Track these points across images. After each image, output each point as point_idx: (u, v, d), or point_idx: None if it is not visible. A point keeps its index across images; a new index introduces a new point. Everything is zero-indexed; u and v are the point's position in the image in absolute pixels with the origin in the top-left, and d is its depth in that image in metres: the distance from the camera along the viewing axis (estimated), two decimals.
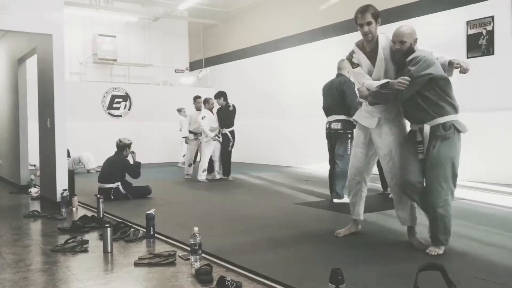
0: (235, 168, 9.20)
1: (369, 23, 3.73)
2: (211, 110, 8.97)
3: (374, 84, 3.68)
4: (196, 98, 9.64)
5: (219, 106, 9.03)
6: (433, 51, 3.64)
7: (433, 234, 3.52)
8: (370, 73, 3.80)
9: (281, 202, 6.23)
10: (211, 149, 8.84)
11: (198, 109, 9.47)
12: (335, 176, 5.95)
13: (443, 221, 3.46)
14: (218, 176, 8.96)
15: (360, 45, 3.89)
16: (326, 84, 6.17)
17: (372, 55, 3.78)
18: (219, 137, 8.81)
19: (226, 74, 14.25)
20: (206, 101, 9.03)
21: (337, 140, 5.94)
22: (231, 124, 8.88)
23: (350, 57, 3.93)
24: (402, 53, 3.57)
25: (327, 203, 5.93)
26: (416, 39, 3.57)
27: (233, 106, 8.86)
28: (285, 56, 12.01)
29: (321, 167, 8.56)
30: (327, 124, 6.07)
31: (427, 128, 3.49)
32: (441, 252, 3.46)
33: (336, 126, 5.93)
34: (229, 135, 8.84)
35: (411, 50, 3.56)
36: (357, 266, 3.20)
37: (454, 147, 3.46)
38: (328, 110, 6.10)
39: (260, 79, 12.79)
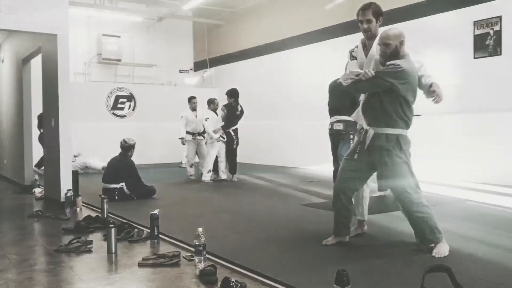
0: (239, 169, 9.20)
1: (369, 21, 3.76)
2: (215, 111, 8.96)
3: (356, 69, 3.71)
4: (191, 98, 9.63)
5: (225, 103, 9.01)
6: (423, 65, 3.64)
7: (421, 238, 3.55)
8: (361, 68, 3.85)
9: (287, 203, 6.23)
10: (216, 150, 8.84)
11: (194, 109, 9.47)
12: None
13: (424, 222, 3.50)
14: (223, 176, 8.96)
15: (363, 42, 3.94)
16: (331, 84, 6.16)
17: (368, 52, 3.83)
18: (223, 138, 8.81)
19: (231, 74, 14.26)
20: (211, 101, 9.01)
21: (339, 140, 5.93)
22: (235, 124, 8.90)
23: (352, 50, 3.99)
24: (386, 56, 3.55)
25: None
26: (402, 41, 3.53)
27: (242, 110, 8.85)
28: (291, 56, 12.00)
29: (326, 168, 8.54)
30: (330, 125, 6.06)
31: (370, 133, 3.57)
32: (447, 253, 3.45)
33: (338, 126, 5.91)
34: (233, 134, 8.85)
35: (395, 53, 3.53)
36: (363, 267, 3.19)
37: (402, 154, 3.52)
38: (332, 110, 6.08)
39: (265, 79, 12.79)
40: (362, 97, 3.96)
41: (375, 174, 3.78)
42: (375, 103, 3.56)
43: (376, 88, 3.51)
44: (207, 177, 8.75)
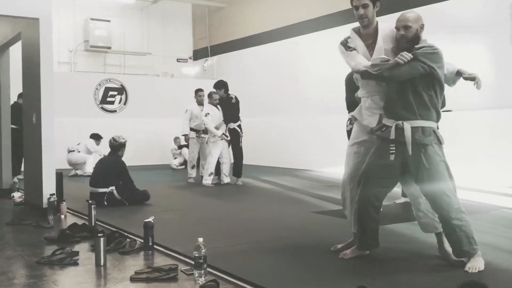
0: (244, 171, 9.21)
1: (365, 6, 3.77)
2: (216, 105, 8.96)
3: (377, 58, 3.67)
4: (198, 91, 9.65)
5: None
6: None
7: (458, 250, 3.53)
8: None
9: (297, 211, 6.23)
10: (218, 150, 8.85)
11: (200, 103, 9.50)
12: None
13: (462, 231, 3.47)
14: (226, 180, 8.96)
15: (356, 30, 3.93)
16: (348, 76, 6.14)
17: (370, 44, 3.81)
18: (227, 136, 8.82)
19: (234, 64, 14.28)
20: (210, 95, 9.02)
21: None
22: (238, 117, 8.89)
23: (345, 42, 3.95)
24: (408, 40, 3.59)
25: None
26: (423, 25, 3.58)
27: (236, 97, 8.88)
28: (303, 44, 11.99)
29: (343, 171, 8.51)
30: (348, 121, 6.02)
31: (407, 127, 3.51)
32: (482, 268, 3.43)
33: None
34: (238, 130, 8.86)
35: (417, 37, 3.58)
36: (385, 283, 3.18)
37: (440, 151, 3.53)
38: (350, 105, 6.05)
39: (273, 70, 12.79)
40: (360, 92, 4.00)
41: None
42: (408, 91, 3.53)
43: (414, 73, 3.48)
44: (208, 180, 8.77)
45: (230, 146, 8.98)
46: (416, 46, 3.54)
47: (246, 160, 9.20)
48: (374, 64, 3.61)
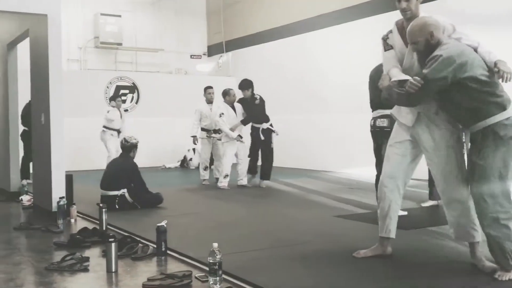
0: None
1: None
2: (231, 104, 8.94)
3: (398, 76, 3.66)
4: (207, 88, 9.63)
5: (240, 97, 9.05)
6: (479, 43, 3.57)
7: (494, 258, 3.50)
8: (402, 60, 3.81)
9: (318, 215, 6.22)
10: (233, 150, 8.86)
11: (210, 101, 9.51)
12: None
13: (496, 242, 3.41)
14: (242, 182, 8.95)
15: (399, 24, 3.90)
16: (372, 72, 6.11)
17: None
18: (241, 137, 8.81)
19: (251, 60, 14.28)
20: (226, 93, 8.98)
21: (383, 140, 5.86)
22: (266, 117, 8.87)
23: (385, 37, 3.95)
24: (422, 54, 3.57)
25: (374, 215, 5.87)
26: (432, 32, 3.51)
27: (261, 98, 8.84)
28: (323, 38, 11.94)
29: (368, 172, 8.50)
30: (372, 121, 6.02)
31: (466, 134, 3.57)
32: None
33: (382, 123, 5.87)
34: (272, 129, 8.85)
35: (430, 47, 3.52)
36: None
37: (500, 154, 3.40)
38: (374, 103, 6.04)
39: (292, 66, 12.76)
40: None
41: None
42: (448, 103, 3.55)
43: (432, 93, 3.51)
44: (223, 182, 8.78)
45: (261, 147, 8.95)
46: (427, 60, 3.50)
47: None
48: (401, 81, 3.60)
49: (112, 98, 11.62)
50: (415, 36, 3.55)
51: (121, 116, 11.14)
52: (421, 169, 4.30)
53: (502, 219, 3.37)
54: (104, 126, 10.98)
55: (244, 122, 8.90)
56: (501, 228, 3.38)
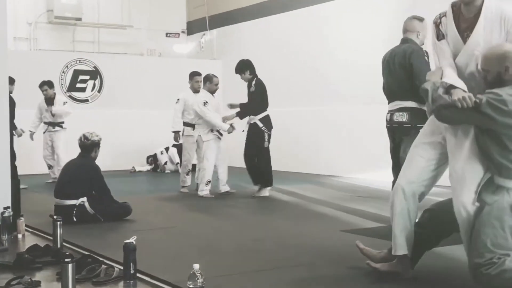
0: (243, 177, 9.22)
1: None
2: (213, 93, 8.95)
3: (453, 80, 3.69)
4: (194, 75, 9.62)
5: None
6: None
7: None
8: (456, 54, 3.82)
9: (321, 229, 6.24)
10: (214, 151, 8.85)
11: (196, 91, 9.51)
12: None
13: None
14: (223, 189, 8.98)
15: (457, 7, 3.87)
16: (386, 56, 6.14)
17: (467, 27, 3.76)
18: (234, 129, 8.80)
19: (240, 39, 14.26)
20: (208, 78, 8.98)
21: (402, 137, 5.89)
22: (259, 108, 8.83)
23: (437, 21, 3.94)
24: (487, 83, 3.67)
25: (389, 230, 5.89)
26: (508, 67, 3.58)
27: (257, 84, 8.77)
28: (327, 12, 11.96)
29: (382, 178, 8.50)
30: (388, 115, 6.03)
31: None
32: None
33: (401, 117, 5.89)
34: (260, 125, 8.75)
35: (499, 81, 3.62)
36: None
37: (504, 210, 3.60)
38: (390, 93, 6.06)
39: (290, 47, 12.77)
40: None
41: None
42: (479, 144, 3.67)
43: (471, 123, 3.66)
44: (205, 190, 8.75)
45: (253, 147, 8.91)
46: (486, 91, 3.60)
47: (235, 163, 9.15)
48: (434, 88, 3.70)
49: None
50: (488, 65, 3.63)
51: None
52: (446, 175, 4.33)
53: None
54: (58, 124, 10.97)
55: (239, 114, 8.89)
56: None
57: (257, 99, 8.79)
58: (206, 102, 8.78)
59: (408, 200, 3.99)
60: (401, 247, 4.01)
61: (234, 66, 9.03)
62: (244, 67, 8.84)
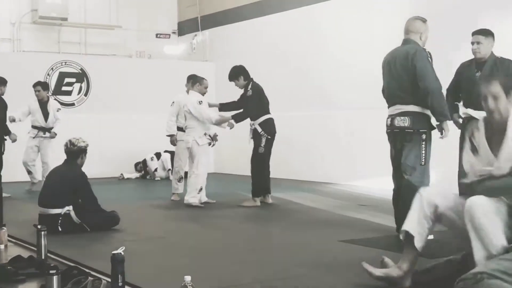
0: (243, 185, 9.20)
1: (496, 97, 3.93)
2: (203, 94, 8.97)
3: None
4: (202, 79, 9.58)
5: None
6: None
7: None
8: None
9: (318, 239, 6.25)
10: (208, 156, 8.85)
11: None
12: (403, 198, 5.90)
13: None
14: (204, 199, 8.94)
15: (486, 121, 4.09)
16: (387, 57, 6.16)
17: (494, 138, 3.97)
18: (233, 125, 8.87)
19: (233, 40, 14.27)
20: (198, 80, 9.01)
21: (404, 143, 5.90)
22: (258, 112, 8.84)
23: (470, 135, 4.16)
24: None
25: (392, 240, 5.91)
26: None
27: (254, 88, 8.78)
28: (324, 13, 11.98)
29: (382, 185, 8.51)
30: (389, 119, 6.03)
31: None
32: None
33: (403, 122, 5.89)
34: (259, 129, 8.76)
35: None
36: None
37: None
38: (391, 97, 6.07)
39: (286, 48, 12.79)
40: None
41: None
42: None
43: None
44: (195, 198, 8.71)
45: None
46: None
47: (243, 170, 9.13)
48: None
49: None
50: None
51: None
52: None
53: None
54: (50, 129, 10.92)
55: (235, 117, 8.93)
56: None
57: (254, 103, 8.82)
58: (201, 101, 8.75)
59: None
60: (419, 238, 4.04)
61: (228, 68, 9.07)
62: (237, 73, 8.86)
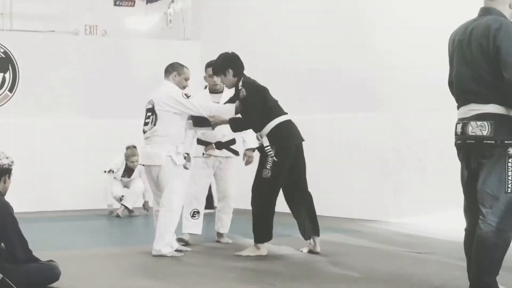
0: (240, 223, 9.23)
1: None
2: (182, 88, 8.96)
3: None
4: (208, 66, 9.67)
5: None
6: None
7: None
8: None
9: None
10: (184, 179, 8.94)
11: (214, 91, 9.81)
12: (483, 244, 5.84)
13: None
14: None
15: None
16: (457, 33, 6.10)
17: None
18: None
19: (223, 12, 14.45)
20: (175, 68, 9.03)
21: (481, 161, 5.84)
22: (262, 120, 8.78)
23: None
24: None
25: None
26: None
27: (249, 88, 8.78)
28: None
29: (446, 224, 8.49)
30: (459, 125, 5.98)
31: None
32: None
33: (481, 129, 5.83)
34: (266, 143, 8.63)
35: None
36: None
37: None
38: (462, 92, 6.01)
39: (294, 23, 12.91)
40: None
41: None
42: None
43: None
44: (167, 246, 8.68)
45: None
46: None
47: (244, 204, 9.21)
48: None
49: None
50: None
51: None
52: None
53: None
54: None
55: (232, 123, 8.95)
56: None
57: (254, 107, 8.76)
58: (188, 94, 8.70)
59: None
60: None
61: (220, 50, 9.09)
62: (225, 65, 8.81)
